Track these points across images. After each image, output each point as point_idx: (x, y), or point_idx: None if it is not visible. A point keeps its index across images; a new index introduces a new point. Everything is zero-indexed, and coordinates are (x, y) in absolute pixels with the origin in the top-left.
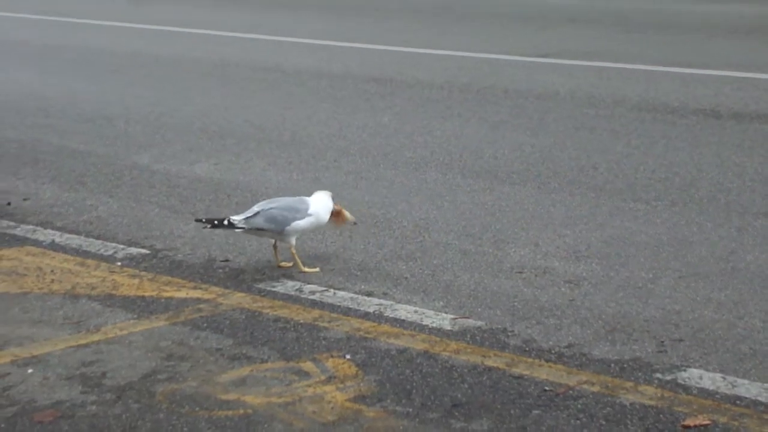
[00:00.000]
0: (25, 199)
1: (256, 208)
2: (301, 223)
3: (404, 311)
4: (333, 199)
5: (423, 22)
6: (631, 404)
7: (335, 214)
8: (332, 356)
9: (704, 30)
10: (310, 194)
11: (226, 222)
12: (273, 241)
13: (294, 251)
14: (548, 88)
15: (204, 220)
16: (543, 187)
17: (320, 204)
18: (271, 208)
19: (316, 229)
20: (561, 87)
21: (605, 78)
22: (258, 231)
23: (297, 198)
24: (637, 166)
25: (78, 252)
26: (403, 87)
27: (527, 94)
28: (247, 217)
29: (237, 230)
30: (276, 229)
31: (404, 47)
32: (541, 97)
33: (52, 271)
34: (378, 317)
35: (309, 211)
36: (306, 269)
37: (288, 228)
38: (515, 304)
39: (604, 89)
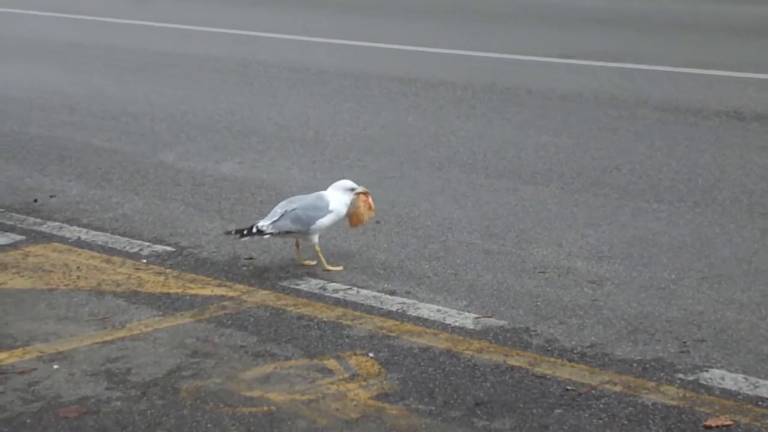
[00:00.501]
0: (51, 196)
1: (279, 210)
2: (324, 221)
3: (427, 310)
4: (353, 189)
5: (448, 22)
6: (653, 404)
7: (353, 214)
8: (355, 354)
9: (728, 31)
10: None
11: (254, 230)
12: (295, 240)
13: (318, 249)
14: (572, 88)
15: (234, 232)
16: (566, 187)
17: (337, 199)
18: (295, 209)
19: (337, 224)
20: (584, 88)
21: (629, 79)
22: (285, 234)
23: (315, 195)
24: (660, 167)
25: (104, 249)
26: (428, 87)
27: (551, 95)
28: (274, 221)
29: (266, 236)
30: (302, 229)
31: (429, 47)
32: (565, 98)
33: (78, 267)
34: (401, 316)
35: (330, 208)
36: (330, 267)
37: (313, 227)
38: (538, 303)
39: (628, 90)
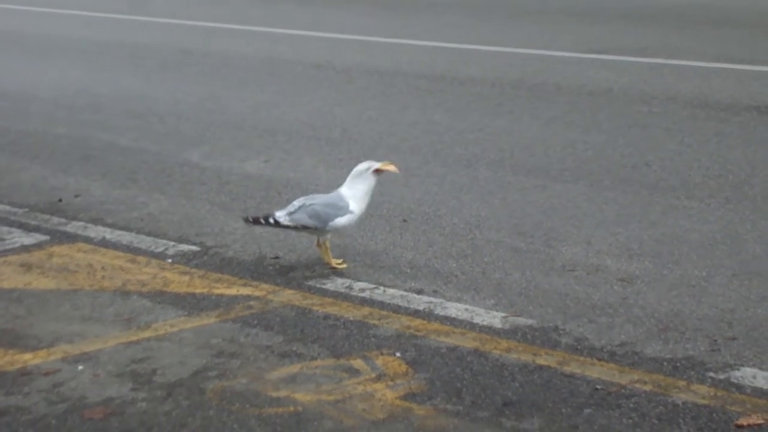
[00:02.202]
0: (76, 196)
1: (297, 203)
2: (341, 221)
3: (455, 309)
4: (369, 168)
5: (474, 18)
6: (683, 403)
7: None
8: (382, 354)
9: (758, 26)
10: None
11: (272, 220)
12: (316, 238)
13: (328, 245)
14: (601, 84)
15: (250, 219)
16: (595, 184)
17: (358, 199)
18: (313, 204)
19: (356, 225)
20: (614, 84)
21: (658, 75)
22: (302, 228)
23: (334, 194)
24: (691, 164)
25: (129, 249)
26: (455, 84)
27: (579, 91)
28: (291, 213)
29: (281, 227)
30: (318, 225)
31: (455, 44)
32: (594, 94)
33: (102, 267)
34: (428, 315)
35: (350, 209)
36: (335, 264)
37: (330, 225)
38: (567, 302)
39: (657, 86)
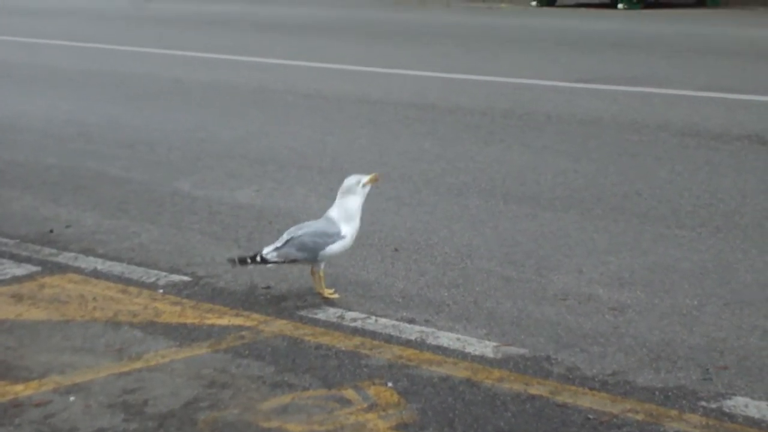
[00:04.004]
0: (67, 227)
1: (285, 237)
2: (333, 248)
3: (446, 339)
4: (359, 181)
5: (464, 48)
6: None
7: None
8: (374, 384)
9: (748, 55)
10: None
11: (258, 258)
12: (310, 267)
13: (322, 274)
14: (591, 113)
15: (237, 260)
16: (586, 213)
17: (349, 220)
18: (301, 236)
19: (349, 251)
20: (604, 113)
21: (648, 104)
22: (291, 262)
23: (324, 220)
24: (681, 192)
25: (120, 279)
26: (445, 113)
27: (570, 120)
28: (278, 248)
29: (269, 265)
30: (308, 257)
31: (445, 73)
32: (584, 123)
33: (94, 298)
34: (420, 344)
35: (342, 234)
36: (327, 294)
37: (321, 254)
38: (559, 331)
39: (648, 115)
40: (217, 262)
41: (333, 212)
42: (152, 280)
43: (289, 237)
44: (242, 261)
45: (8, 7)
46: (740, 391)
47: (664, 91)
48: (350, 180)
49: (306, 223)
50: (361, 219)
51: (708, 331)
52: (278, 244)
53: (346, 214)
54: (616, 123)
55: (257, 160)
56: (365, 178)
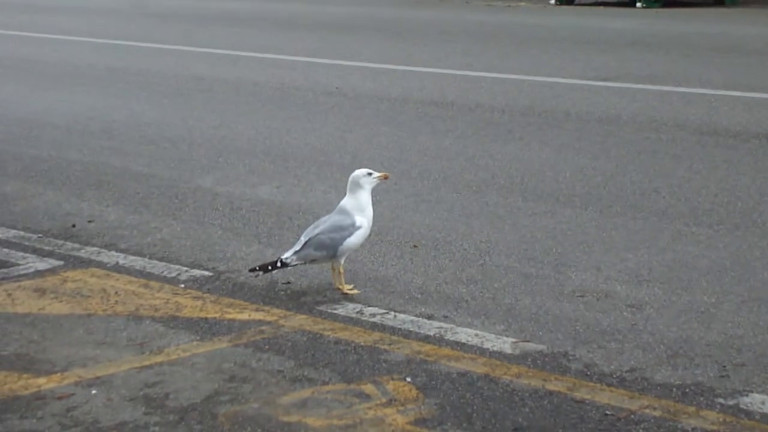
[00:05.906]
0: (89, 221)
1: (303, 239)
2: (351, 240)
3: (465, 334)
4: (371, 173)
5: (483, 45)
6: (693, 429)
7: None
8: (393, 379)
9: (766, 54)
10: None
11: (279, 263)
12: (331, 263)
13: (342, 270)
14: (610, 111)
15: (257, 268)
16: (605, 210)
17: (362, 209)
18: (318, 234)
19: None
20: (623, 111)
21: (667, 102)
22: (312, 262)
23: (337, 212)
24: (699, 190)
25: (142, 274)
26: (464, 110)
27: (589, 118)
28: (297, 251)
29: (290, 267)
30: (328, 255)
31: (465, 71)
32: (603, 121)
33: (116, 292)
34: (439, 340)
35: (357, 224)
36: (347, 290)
37: (340, 249)
38: (577, 328)
39: (666, 113)
40: (238, 257)
41: (346, 202)
42: (174, 274)
43: (306, 239)
44: (264, 269)
45: (33, 5)
46: (757, 388)
47: (682, 90)
48: (358, 172)
49: (320, 220)
50: (375, 211)
51: (725, 329)
52: (297, 247)
53: (358, 204)
54: (634, 121)
55: (278, 156)
56: (375, 173)
